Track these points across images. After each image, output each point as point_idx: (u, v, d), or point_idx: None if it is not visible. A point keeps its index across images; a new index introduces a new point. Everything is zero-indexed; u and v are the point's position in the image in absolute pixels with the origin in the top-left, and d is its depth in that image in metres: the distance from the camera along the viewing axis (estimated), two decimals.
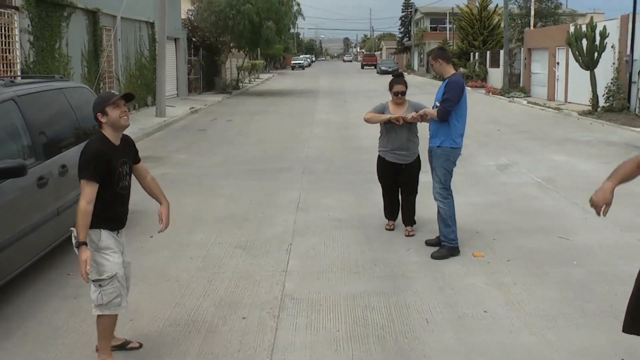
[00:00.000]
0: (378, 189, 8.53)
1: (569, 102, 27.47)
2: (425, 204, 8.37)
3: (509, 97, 31.58)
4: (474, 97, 31.88)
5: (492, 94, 34.33)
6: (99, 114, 4.62)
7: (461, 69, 44.32)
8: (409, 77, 44.04)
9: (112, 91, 4.64)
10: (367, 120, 7.98)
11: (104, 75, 21.35)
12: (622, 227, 8.35)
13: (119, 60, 23.03)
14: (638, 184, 11.16)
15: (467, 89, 33.42)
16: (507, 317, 5.63)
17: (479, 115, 22.00)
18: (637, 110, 21.39)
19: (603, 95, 23.33)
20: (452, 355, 4.94)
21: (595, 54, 22.81)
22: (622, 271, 6.74)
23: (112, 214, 4.65)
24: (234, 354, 4.98)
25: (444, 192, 7.22)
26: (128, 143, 4.91)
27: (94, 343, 5.00)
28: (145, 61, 26.03)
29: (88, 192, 4.40)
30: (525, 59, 34.52)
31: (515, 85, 35.13)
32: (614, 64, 23.44)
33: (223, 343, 5.15)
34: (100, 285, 4.55)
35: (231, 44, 37.63)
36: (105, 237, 4.57)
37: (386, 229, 8.25)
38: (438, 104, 7.13)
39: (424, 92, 30.52)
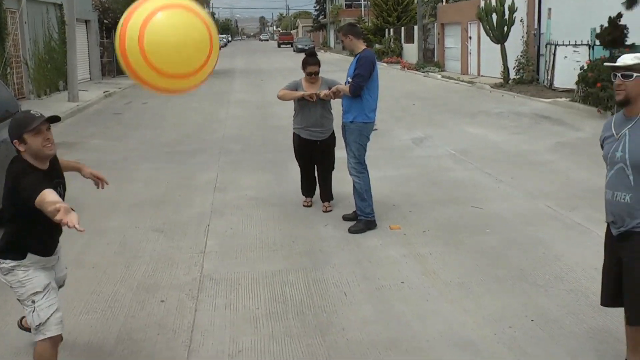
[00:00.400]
0: (295, 167, 8.55)
1: (482, 75, 28.08)
2: (342, 180, 8.43)
3: (424, 72, 32.06)
4: (389, 72, 32.26)
5: (408, 69, 34.77)
6: (15, 141, 3.89)
7: (377, 45, 44.70)
8: (325, 55, 44.28)
9: (32, 111, 4.14)
10: (281, 98, 7.97)
11: (11, 60, 20.58)
12: (533, 195, 8.63)
13: (26, 44, 22.22)
14: (549, 151, 11.59)
15: (383, 64, 33.67)
16: (423, 287, 5.76)
17: (394, 91, 22.27)
18: (545, 81, 22.03)
19: (514, 68, 23.94)
20: (370, 326, 5.02)
21: (505, 28, 23.33)
22: (532, 237, 6.99)
23: (44, 241, 4.10)
24: (153, 338, 4.93)
25: (359, 167, 7.29)
26: (56, 158, 4.22)
27: None
28: (55, 45, 25.20)
29: (49, 197, 3.59)
30: (438, 34, 35.07)
31: (430, 60, 35.66)
32: (523, 37, 24.05)
33: (142, 327, 5.09)
34: (33, 302, 3.96)
35: None
36: (32, 256, 4.04)
37: (304, 205, 8.29)
38: (350, 80, 7.17)
39: (340, 69, 30.58)
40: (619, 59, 3.86)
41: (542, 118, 15.77)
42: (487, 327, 4.98)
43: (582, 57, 19.69)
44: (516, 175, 9.78)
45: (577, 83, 17.75)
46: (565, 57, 20.81)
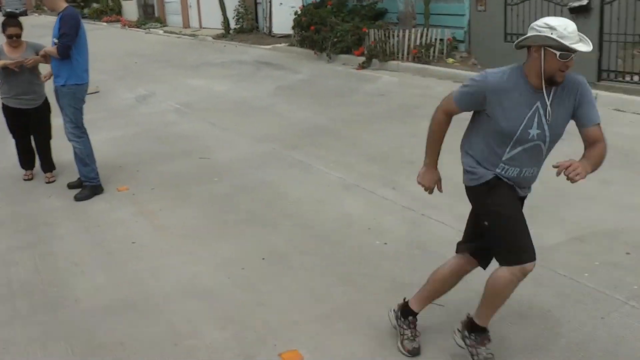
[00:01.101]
0: (11, 140, 8.00)
1: (204, 28, 28.05)
2: (62, 147, 8.03)
3: (145, 29, 31.32)
4: (109, 32, 31.16)
5: (129, 27, 33.71)
6: None
7: (95, 5, 42.83)
8: (40, 18, 41.63)
9: None
10: None
11: None
12: (257, 139, 8.89)
13: None
14: (270, 96, 11.90)
15: (103, 24, 32.14)
16: (155, 243, 5.73)
17: (115, 50, 21.56)
18: (265, 29, 22.57)
19: (233, 18, 24.19)
20: (105, 292, 4.90)
21: None
22: (259, 179, 7.24)
23: None
24: None
25: (77, 131, 6.99)
26: None
27: None
28: None
29: None
30: None
31: (150, 16, 34.86)
32: None
33: None
34: None
35: None
36: None
37: (24, 179, 7.80)
38: (56, 41, 6.82)
39: None
40: (577, 44, 3.24)
41: (263, 64, 16.19)
42: (221, 272, 5.10)
43: (296, 2, 20.37)
44: (241, 122, 9.99)
45: (293, 28, 18.39)
46: (281, 3, 21.43)
